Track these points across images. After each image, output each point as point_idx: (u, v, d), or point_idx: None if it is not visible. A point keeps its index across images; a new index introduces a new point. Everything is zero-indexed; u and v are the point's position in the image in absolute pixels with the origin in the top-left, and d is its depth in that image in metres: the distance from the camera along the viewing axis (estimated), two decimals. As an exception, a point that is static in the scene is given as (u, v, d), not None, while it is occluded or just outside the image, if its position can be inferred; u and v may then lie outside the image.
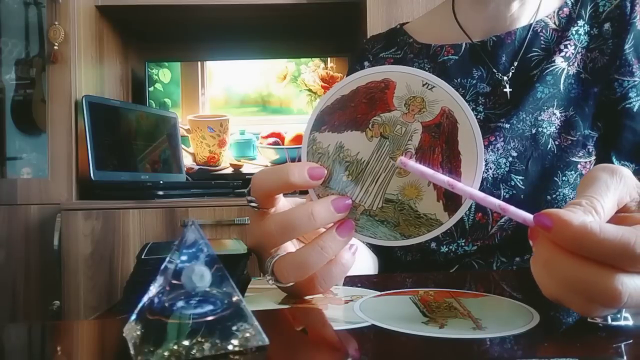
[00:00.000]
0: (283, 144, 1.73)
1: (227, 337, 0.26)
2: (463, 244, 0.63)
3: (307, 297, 0.40)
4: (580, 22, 0.66)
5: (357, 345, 0.30)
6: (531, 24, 0.67)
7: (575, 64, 0.65)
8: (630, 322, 0.31)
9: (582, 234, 0.27)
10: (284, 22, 1.71)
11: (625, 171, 0.34)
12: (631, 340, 0.29)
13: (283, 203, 0.40)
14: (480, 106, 0.67)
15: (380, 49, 0.77)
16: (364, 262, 0.61)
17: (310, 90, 1.73)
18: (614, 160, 0.63)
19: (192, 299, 0.27)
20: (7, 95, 1.61)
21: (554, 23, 0.68)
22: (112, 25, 1.66)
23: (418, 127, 0.36)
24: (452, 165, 0.36)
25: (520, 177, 0.63)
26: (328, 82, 1.72)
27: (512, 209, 0.32)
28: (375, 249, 0.67)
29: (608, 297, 0.28)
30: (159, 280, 0.27)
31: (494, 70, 0.67)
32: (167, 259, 0.27)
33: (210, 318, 0.26)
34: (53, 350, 0.30)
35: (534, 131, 0.64)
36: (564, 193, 0.61)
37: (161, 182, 1.49)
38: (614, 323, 0.31)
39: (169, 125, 1.68)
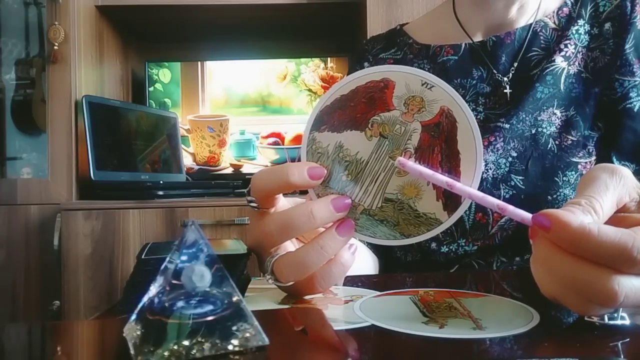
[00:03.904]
0: (283, 144, 1.73)
1: (227, 337, 0.26)
2: (463, 244, 0.63)
3: (307, 297, 0.40)
4: (580, 22, 0.66)
5: (357, 345, 0.30)
6: (531, 24, 0.67)
7: (576, 63, 0.65)
8: (626, 322, 0.31)
9: (580, 236, 0.28)
10: (284, 22, 1.71)
11: (625, 171, 0.34)
12: (629, 340, 0.29)
13: (283, 203, 0.40)
14: (480, 106, 0.67)
15: (380, 49, 0.77)
16: (365, 263, 0.61)
17: (310, 90, 1.73)
18: (615, 160, 0.63)
19: (192, 299, 0.27)
20: (7, 95, 1.61)
21: (554, 23, 0.68)
22: (112, 25, 1.66)
23: (417, 126, 0.36)
24: (451, 164, 0.36)
25: (520, 177, 0.63)
26: (328, 82, 1.72)
27: (510, 208, 0.32)
28: (375, 249, 0.67)
29: (605, 297, 0.28)
30: (159, 280, 0.27)
31: (494, 70, 0.67)
32: (167, 259, 0.27)
33: (210, 318, 0.26)
34: (53, 350, 0.30)
35: (533, 131, 0.64)
36: (564, 193, 0.61)
37: (161, 182, 1.49)
38: (611, 322, 0.31)
39: (169, 125, 1.68)
